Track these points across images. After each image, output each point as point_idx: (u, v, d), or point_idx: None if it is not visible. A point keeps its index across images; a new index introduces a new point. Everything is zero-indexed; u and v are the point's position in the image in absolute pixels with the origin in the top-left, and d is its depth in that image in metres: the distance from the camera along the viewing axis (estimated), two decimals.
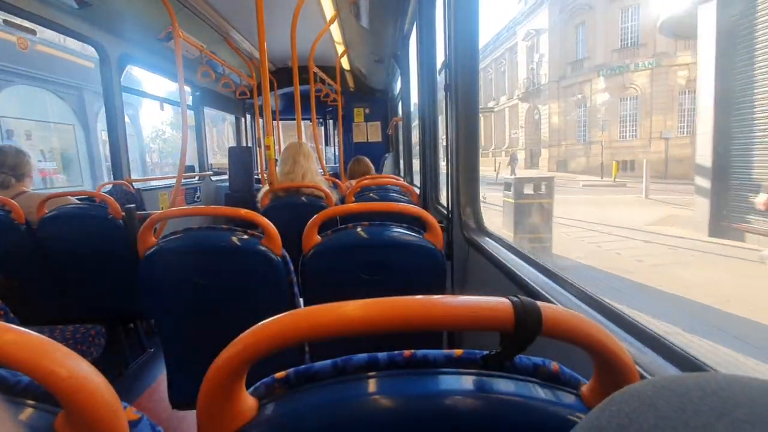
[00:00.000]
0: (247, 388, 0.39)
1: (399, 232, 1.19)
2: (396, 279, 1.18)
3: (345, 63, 4.82)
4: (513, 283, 0.92)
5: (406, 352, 0.40)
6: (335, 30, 3.72)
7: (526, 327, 0.33)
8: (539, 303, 0.34)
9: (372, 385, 0.39)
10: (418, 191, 2.57)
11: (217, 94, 5.09)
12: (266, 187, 2.20)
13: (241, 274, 1.19)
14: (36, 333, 0.32)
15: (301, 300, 1.27)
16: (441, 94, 1.67)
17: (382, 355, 0.40)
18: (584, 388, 0.39)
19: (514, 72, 30.36)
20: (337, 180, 3.34)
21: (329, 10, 3.28)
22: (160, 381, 2.04)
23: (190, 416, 1.70)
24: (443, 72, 1.53)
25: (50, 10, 2.53)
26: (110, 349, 1.75)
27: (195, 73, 3.91)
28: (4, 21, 2.47)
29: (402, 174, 4.16)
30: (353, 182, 2.82)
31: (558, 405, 0.37)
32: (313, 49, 3.52)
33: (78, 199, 2.21)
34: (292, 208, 2.06)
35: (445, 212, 1.59)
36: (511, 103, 31.14)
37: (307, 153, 2.22)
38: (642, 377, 0.51)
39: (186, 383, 1.29)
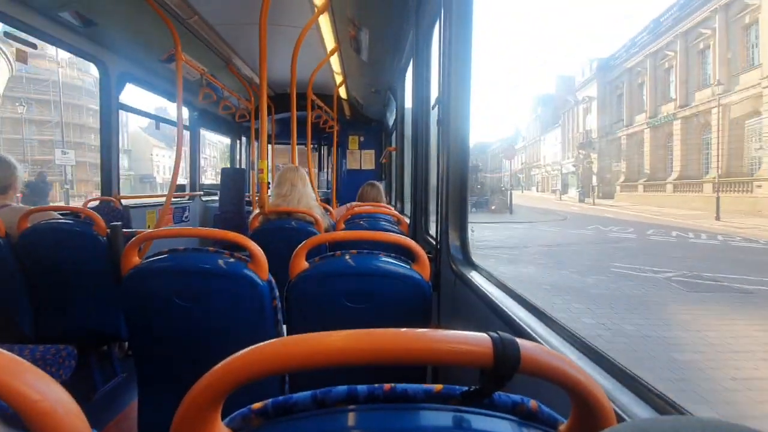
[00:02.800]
0: (223, 418, 0.38)
1: (386, 261, 1.19)
2: (382, 309, 1.17)
3: (342, 92, 4.95)
4: (498, 318, 0.92)
5: (386, 386, 0.39)
6: (335, 61, 3.85)
7: (505, 364, 0.33)
8: (519, 340, 0.35)
9: (350, 419, 0.38)
10: (408, 221, 2.58)
11: (213, 115, 5.15)
12: (257, 210, 2.20)
13: (225, 299, 1.17)
14: (6, 351, 0.32)
15: (285, 327, 1.24)
16: (434, 128, 1.72)
17: (361, 387, 0.39)
18: (562, 428, 0.39)
19: None
20: (328, 206, 3.35)
21: (330, 42, 3.40)
22: (130, 408, 1.94)
23: None
24: (437, 107, 1.58)
25: (55, 27, 2.58)
26: (80, 372, 1.67)
27: (193, 95, 3.97)
28: (5, 33, 2.50)
29: (393, 203, 4.20)
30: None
31: None
32: (312, 78, 3.62)
33: (62, 215, 2.17)
34: (282, 232, 2.05)
35: (434, 243, 1.60)
36: None
37: (303, 177, 2.24)
38: (619, 417, 0.51)
39: (158, 411, 1.24)
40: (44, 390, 0.31)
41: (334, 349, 0.33)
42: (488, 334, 0.35)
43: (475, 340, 0.34)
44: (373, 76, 3.97)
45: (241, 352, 0.34)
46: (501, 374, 0.34)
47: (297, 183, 2.19)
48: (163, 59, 3.33)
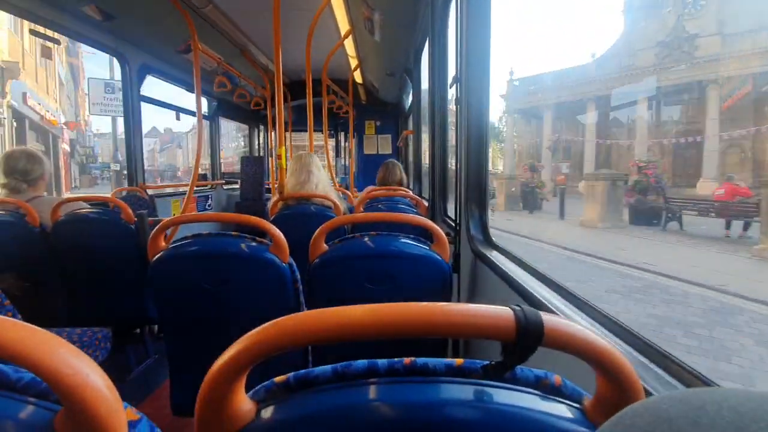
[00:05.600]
0: (247, 392, 0.39)
1: (406, 242, 1.19)
2: (402, 290, 1.17)
3: (357, 76, 4.90)
4: (520, 296, 0.91)
5: (406, 360, 0.39)
6: (349, 44, 3.80)
7: (528, 336, 0.33)
8: (541, 313, 0.34)
9: (371, 392, 0.38)
10: (426, 204, 2.57)
11: (232, 104, 5.19)
12: (276, 196, 2.22)
13: (248, 281, 1.20)
14: (39, 328, 0.33)
15: (306, 309, 1.27)
16: (452, 108, 1.68)
17: (382, 361, 0.40)
18: (587, 402, 0.38)
19: None
20: (346, 191, 3.35)
21: (344, 26, 3.35)
22: (162, 388, 2.04)
23: (191, 424, 1.68)
24: (454, 86, 1.54)
25: (77, 22, 2.63)
26: (115, 354, 1.75)
27: (211, 85, 4.01)
28: (30, 31, 2.57)
29: (411, 186, 4.17)
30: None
31: (560, 418, 0.37)
32: (327, 63, 3.59)
33: (91, 204, 2.25)
34: (301, 217, 2.08)
35: (453, 225, 1.58)
36: None
37: (317, 163, 2.25)
38: (646, 392, 0.50)
39: (187, 389, 1.29)
40: (76, 364, 0.32)
41: (357, 323, 0.34)
42: (510, 307, 0.34)
43: (498, 312, 0.33)
44: (388, 59, 3.90)
45: (265, 325, 0.35)
46: (524, 347, 0.33)
47: (313, 169, 2.20)
48: (180, 50, 3.36)
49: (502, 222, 12.63)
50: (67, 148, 21.20)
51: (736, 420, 0.17)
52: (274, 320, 0.35)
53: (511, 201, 17.18)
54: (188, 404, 1.36)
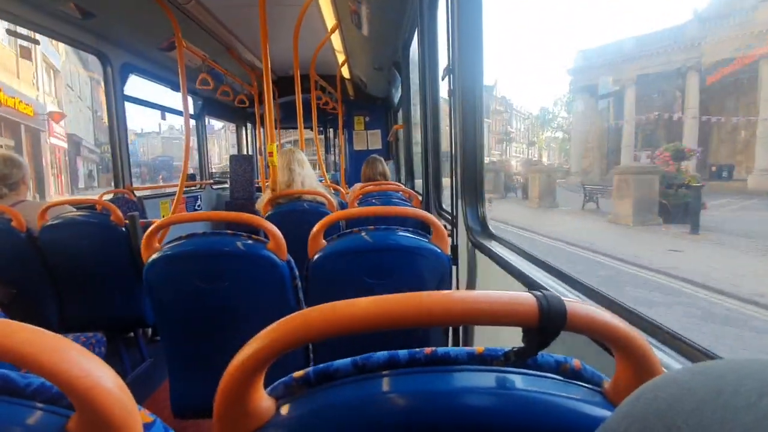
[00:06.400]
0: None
1: (405, 236, 1.18)
2: (402, 283, 1.17)
3: (345, 72, 4.86)
4: (523, 285, 0.92)
5: (427, 350, 0.39)
6: (336, 39, 3.76)
7: (551, 321, 0.32)
8: (563, 297, 0.34)
9: (393, 383, 0.38)
10: (420, 197, 2.56)
11: (219, 103, 5.12)
12: (267, 194, 2.19)
13: (246, 280, 1.18)
14: (47, 331, 0.31)
15: (305, 306, 1.26)
16: (443, 100, 1.67)
17: (402, 352, 0.39)
18: (606, 386, 0.38)
19: None
20: (337, 186, 3.33)
21: (330, 20, 3.32)
22: (159, 391, 2.01)
23: (192, 426, 1.67)
24: (446, 77, 1.53)
25: (54, 21, 2.55)
26: (109, 359, 1.72)
27: (196, 83, 3.94)
28: (7, 31, 2.49)
29: (403, 181, 4.17)
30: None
31: (582, 402, 0.37)
32: (314, 59, 3.55)
33: (78, 208, 2.20)
34: (294, 215, 2.06)
35: (449, 217, 1.58)
36: None
37: (300, 160, 2.18)
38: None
39: (188, 391, 1.28)
40: (87, 366, 0.30)
41: (381, 312, 0.33)
42: (531, 293, 0.34)
43: (520, 298, 0.33)
44: (375, 53, 3.88)
45: (288, 317, 0.34)
46: (547, 332, 0.33)
47: (294, 167, 2.14)
48: (163, 47, 3.29)
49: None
50: (61, 143, 18.54)
51: (758, 386, 0.17)
52: (293, 314, 0.34)
53: (642, 208, 10.15)
54: (189, 405, 1.34)
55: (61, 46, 17.18)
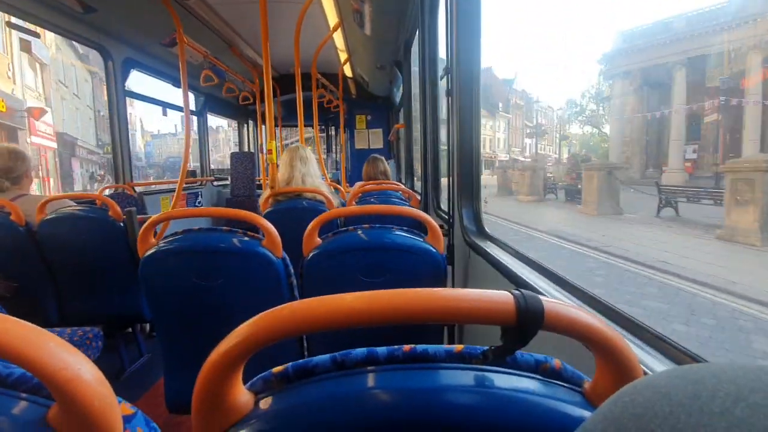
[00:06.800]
0: (245, 384, 0.38)
1: (400, 235, 1.19)
2: (397, 282, 1.17)
3: (347, 70, 4.86)
4: (515, 285, 0.92)
5: (406, 347, 0.39)
6: (338, 37, 3.76)
7: (528, 320, 0.33)
8: (541, 296, 0.34)
9: (371, 380, 0.38)
10: (419, 197, 2.56)
11: (220, 100, 5.12)
12: (267, 192, 2.20)
13: (241, 276, 1.18)
14: (27, 323, 0.32)
15: None
16: (443, 100, 1.67)
17: (381, 349, 0.39)
18: (587, 386, 0.38)
19: None
20: (338, 185, 3.33)
21: (332, 18, 3.31)
22: (156, 386, 2.02)
23: (187, 421, 1.68)
24: (445, 78, 1.53)
25: (56, 15, 2.56)
26: (107, 354, 1.73)
27: (198, 79, 3.95)
28: (7, 23, 2.50)
29: (403, 180, 4.17)
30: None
31: (561, 401, 0.37)
32: (316, 57, 3.55)
33: (78, 202, 2.21)
34: (293, 212, 2.06)
35: (447, 217, 1.58)
36: None
37: (304, 157, 2.18)
38: (645, 374, 0.51)
39: (183, 386, 1.28)
40: (67, 358, 0.31)
41: (356, 309, 0.33)
42: (510, 292, 0.34)
43: (497, 297, 0.33)
44: (378, 51, 3.87)
45: (262, 314, 0.34)
46: (524, 331, 0.33)
47: (296, 163, 2.14)
48: (165, 43, 3.29)
49: None
50: (48, 143, 16.35)
51: (735, 391, 0.17)
52: (269, 310, 0.34)
53: None
54: (184, 401, 1.35)
55: (50, 38, 16.11)
